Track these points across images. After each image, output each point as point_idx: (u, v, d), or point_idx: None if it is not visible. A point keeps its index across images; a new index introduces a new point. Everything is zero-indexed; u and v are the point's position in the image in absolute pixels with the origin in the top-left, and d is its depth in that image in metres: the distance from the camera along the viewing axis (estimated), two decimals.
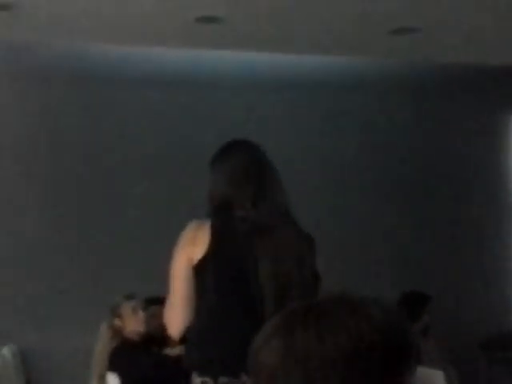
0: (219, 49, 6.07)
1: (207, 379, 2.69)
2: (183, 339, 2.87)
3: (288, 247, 2.76)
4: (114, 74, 6.59)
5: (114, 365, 4.73)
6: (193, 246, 2.78)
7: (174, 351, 4.82)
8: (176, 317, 2.81)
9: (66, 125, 6.62)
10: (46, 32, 5.54)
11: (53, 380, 6.40)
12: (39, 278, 6.47)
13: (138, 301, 4.90)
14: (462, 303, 7.03)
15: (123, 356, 4.75)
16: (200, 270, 2.76)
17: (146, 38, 5.72)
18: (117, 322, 4.89)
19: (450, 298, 6.96)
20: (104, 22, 5.28)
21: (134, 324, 4.84)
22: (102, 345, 4.84)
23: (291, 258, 2.75)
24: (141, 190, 6.62)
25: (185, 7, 5.02)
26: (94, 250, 6.54)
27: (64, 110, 6.61)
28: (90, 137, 6.63)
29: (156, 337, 4.92)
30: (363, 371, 1.13)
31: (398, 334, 1.16)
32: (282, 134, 6.80)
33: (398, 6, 5.00)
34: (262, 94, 6.88)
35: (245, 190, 2.82)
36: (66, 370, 6.30)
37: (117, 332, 4.86)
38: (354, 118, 7.10)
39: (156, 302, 4.77)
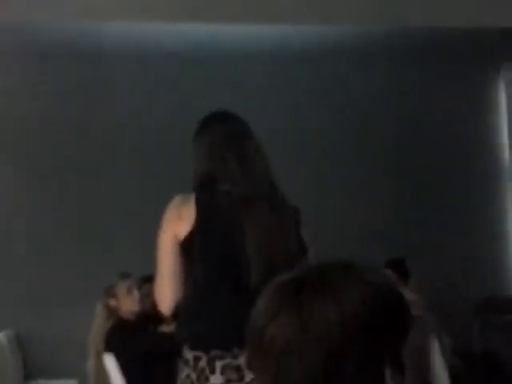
0: (204, 22, 6.01)
1: (199, 353, 2.69)
2: (175, 315, 2.86)
3: (273, 219, 2.74)
4: (108, 50, 6.55)
5: (109, 345, 4.72)
6: (178, 221, 2.74)
7: (169, 328, 4.81)
8: (165, 293, 2.79)
9: (63, 105, 6.58)
10: (41, 11, 5.48)
11: (49, 364, 6.40)
12: (34, 262, 6.45)
13: (133, 280, 4.88)
14: (455, 269, 7.04)
15: (119, 336, 4.74)
16: (187, 245, 2.74)
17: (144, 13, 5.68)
18: (112, 301, 4.87)
19: (444, 264, 6.97)
20: None
21: (129, 303, 4.83)
22: (98, 325, 4.84)
23: (277, 230, 2.73)
24: (140, 168, 6.59)
25: None
26: (89, 232, 6.51)
27: (62, 90, 6.58)
28: (87, 118, 6.60)
29: (151, 315, 4.90)
30: (378, 336, 1.13)
31: (401, 300, 1.17)
32: (268, 107, 6.77)
33: None
34: (248, 67, 6.83)
35: (227, 163, 2.79)
36: (63, 354, 6.30)
37: (112, 312, 4.85)
38: (340, 87, 7.06)
39: (151, 279, 4.75)
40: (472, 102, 7.40)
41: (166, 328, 4.88)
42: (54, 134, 6.59)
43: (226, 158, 2.78)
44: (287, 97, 6.99)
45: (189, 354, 2.71)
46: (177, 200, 2.79)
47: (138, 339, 4.74)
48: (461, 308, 6.76)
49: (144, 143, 6.69)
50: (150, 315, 4.91)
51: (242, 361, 2.65)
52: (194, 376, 2.69)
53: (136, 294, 4.82)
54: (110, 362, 4.72)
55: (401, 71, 7.18)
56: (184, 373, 2.72)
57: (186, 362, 2.72)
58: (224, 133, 2.84)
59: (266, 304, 1.19)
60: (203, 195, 2.77)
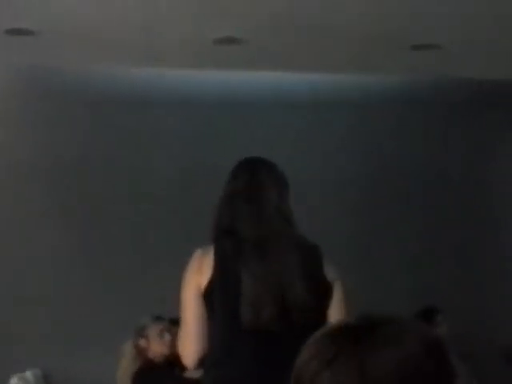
0: (235, 69, 6.09)
1: None
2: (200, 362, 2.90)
3: (288, 265, 2.75)
4: (128, 96, 6.62)
5: None
6: (199, 274, 2.82)
7: (195, 373, 4.81)
8: (189, 348, 2.85)
9: (76, 146, 6.64)
10: (60, 55, 5.58)
11: None
12: (64, 301, 6.47)
13: (165, 323, 4.89)
14: (486, 315, 6.96)
15: (146, 378, 4.74)
16: (207, 296, 2.81)
17: (160, 60, 5.76)
18: (142, 342, 4.88)
19: (470, 309, 6.89)
20: (115, 43, 5.30)
21: (159, 346, 4.84)
22: (126, 364, 4.84)
23: (291, 276, 2.75)
24: (154, 213, 6.62)
25: (202, 30, 5.04)
26: (118, 273, 6.53)
27: (76, 132, 6.65)
28: (103, 161, 6.66)
29: (178, 358, 4.90)
30: None
31: (447, 356, 1.17)
32: (300, 154, 6.79)
33: (415, 23, 4.99)
34: (280, 114, 6.88)
35: (244, 213, 2.85)
36: None
37: (141, 352, 4.86)
38: (374, 136, 7.09)
39: (178, 322, 4.76)
40: (505, 157, 7.39)
41: (193, 373, 4.88)
42: (86, 175, 6.64)
43: (242, 208, 2.85)
44: (319, 144, 7.01)
45: None
46: (198, 252, 2.87)
47: (165, 382, 4.74)
48: (490, 354, 6.68)
49: (170, 187, 6.72)
50: (177, 359, 4.91)
51: None
52: None
53: (167, 337, 4.83)
54: None
55: (437, 122, 7.19)
56: None
57: None
58: (243, 182, 2.90)
59: (317, 350, 1.15)
60: (221, 245, 2.84)
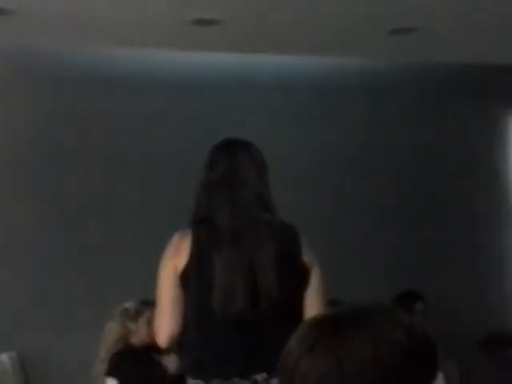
0: (216, 51, 6.07)
1: (200, 382, 2.75)
2: (171, 347, 2.93)
3: (261, 254, 2.79)
4: (109, 76, 6.58)
5: (114, 370, 4.72)
6: (177, 256, 2.85)
7: (172, 361, 4.84)
8: (163, 326, 2.90)
9: (62, 128, 6.60)
10: (40, 36, 5.53)
11: None
12: (39, 284, 6.45)
13: (152, 310, 4.81)
14: (460, 303, 7.03)
15: (125, 362, 4.74)
16: (183, 279, 2.84)
17: (142, 41, 5.72)
18: (132, 325, 4.88)
19: (449, 298, 6.96)
20: (99, 24, 5.27)
21: (144, 334, 4.83)
22: (112, 343, 4.83)
23: (264, 265, 2.78)
24: (139, 195, 6.60)
25: (182, 9, 5.01)
26: (94, 254, 6.52)
27: (60, 114, 6.60)
28: (86, 140, 6.62)
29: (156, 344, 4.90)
30: (410, 380, 1.15)
31: (430, 345, 1.20)
32: (279, 136, 6.79)
33: (397, 7, 4.99)
34: (258, 96, 6.87)
35: (221, 201, 2.87)
36: (65, 376, 6.28)
37: (126, 335, 4.85)
38: (353, 119, 7.10)
39: (150, 304, 4.76)
40: (485, 137, 7.43)
41: (171, 361, 4.90)
42: (56, 164, 6.60)
43: (218, 194, 2.86)
44: (298, 127, 7.02)
45: (190, 382, 2.77)
46: (176, 236, 2.91)
47: (143, 367, 4.75)
48: (466, 342, 6.74)
49: (152, 168, 6.70)
50: (154, 344, 4.91)
51: None
52: None
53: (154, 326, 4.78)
54: None
55: (415, 106, 7.21)
56: None
57: None
58: (223, 168, 2.90)
59: (301, 338, 1.20)
60: (197, 230, 2.87)
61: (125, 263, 6.47)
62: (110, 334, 4.88)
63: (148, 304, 4.84)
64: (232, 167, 2.90)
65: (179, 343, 2.86)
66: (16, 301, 6.39)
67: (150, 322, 4.80)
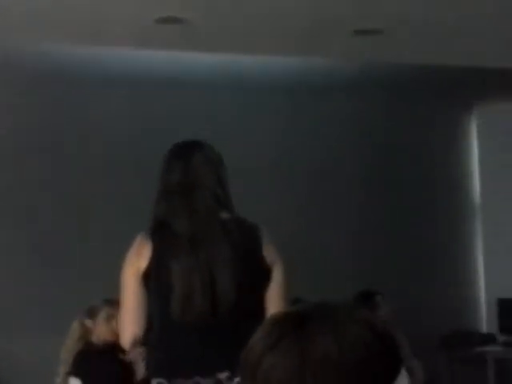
0: (179, 50, 6.07)
1: (163, 381, 2.77)
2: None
3: (218, 259, 2.80)
4: (79, 74, 6.55)
5: (77, 369, 4.69)
6: (139, 257, 2.88)
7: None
8: (126, 327, 2.91)
9: (43, 126, 6.56)
10: (15, 32, 5.50)
11: None
12: (6, 283, 6.39)
13: (116, 309, 4.77)
14: (421, 303, 7.09)
15: (88, 361, 4.71)
16: (145, 280, 2.87)
17: (108, 39, 5.71)
18: (89, 322, 4.83)
19: (411, 297, 7.01)
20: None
21: (104, 331, 4.78)
22: (71, 342, 4.79)
23: (221, 269, 2.81)
24: (126, 191, 6.58)
25: (146, 9, 5.00)
26: (67, 255, 6.47)
27: (41, 111, 6.56)
28: (63, 139, 6.59)
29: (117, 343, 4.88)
30: (372, 377, 1.15)
31: (393, 341, 1.20)
32: (237, 136, 6.80)
33: (359, 7, 5.03)
34: (221, 95, 6.88)
35: (178, 207, 2.89)
36: (27, 376, 6.23)
37: (85, 333, 4.81)
38: (319, 118, 7.13)
39: (112, 303, 4.72)
40: (448, 136, 7.51)
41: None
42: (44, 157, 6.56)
43: (177, 204, 2.86)
44: (260, 125, 7.03)
45: (154, 381, 2.79)
46: (138, 238, 2.92)
47: (106, 366, 4.71)
48: (426, 342, 6.80)
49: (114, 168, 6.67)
50: (119, 345, 4.88)
51: None
52: None
53: (114, 323, 4.75)
54: None
55: (376, 106, 7.26)
56: None
57: None
58: (179, 173, 2.92)
59: (264, 334, 1.18)
60: (156, 237, 2.89)
61: (87, 263, 6.44)
62: (70, 333, 4.84)
63: (111, 302, 4.80)
64: (187, 171, 2.90)
65: (142, 344, 2.87)
66: None
67: (109, 319, 4.77)
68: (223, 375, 2.72)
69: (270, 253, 2.88)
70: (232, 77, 6.79)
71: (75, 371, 4.70)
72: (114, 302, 4.70)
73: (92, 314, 4.85)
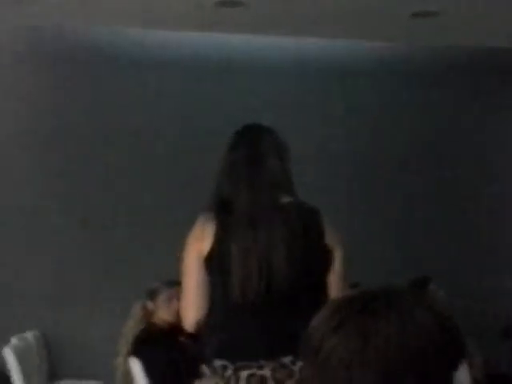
0: (238, 33, 6.08)
1: (226, 362, 2.77)
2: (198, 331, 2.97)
3: (277, 240, 2.82)
4: (129, 57, 6.60)
5: (138, 351, 4.76)
6: (201, 240, 2.87)
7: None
8: (189, 310, 2.91)
9: (78, 110, 6.64)
10: (63, 15, 5.56)
11: (75, 365, 6.46)
12: (63, 263, 6.51)
13: (177, 290, 4.80)
14: (484, 291, 6.99)
15: (148, 343, 4.77)
16: (208, 262, 2.86)
17: (162, 22, 5.74)
18: (149, 305, 4.90)
19: (472, 286, 6.93)
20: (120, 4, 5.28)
21: (164, 312, 4.84)
22: (132, 324, 4.87)
23: (279, 251, 2.81)
24: (155, 177, 6.63)
25: None
26: (120, 236, 6.56)
27: (78, 96, 6.64)
28: (104, 122, 6.66)
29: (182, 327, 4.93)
30: (435, 362, 1.15)
31: (457, 329, 1.20)
32: (302, 121, 6.79)
33: None
34: (283, 79, 6.87)
35: (243, 186, 2.89)
36: (89, 355, 6.35)
37: (147, 314, 4.88)
38: (372, 103, 7.08)
39: (175, 284, 4.77)
40: (504, 122, 7.39)
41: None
42: (74, 141, 6.65)
43: (240, 179, 2.88)
44: (320, 111, 7.00)
45: (216, 363, 2.79)
46: (200, 219, 2.91)
47: (165, 348, 4.77)
48: (488, 331, 6.72)
49: (173, 151, 6.72)
50: (181, 327, 4.93)
51: (266, 372, 2.71)
52: None
53: (175, 304, 4.80)
54: (135, 366, 4.77)
55: (436, 90, 7.17)
56: (212, 380, 2.79)
57: (214, 371, 2.80)
58: (246, 153, 2.92)
59: (327, 317, 1.19)
60: (217, 217, 2.89)
61: (151, 244, 6.51)
62: (132, 315, 4.92)
63: (171, 284, 4.86)
64: (253, 152, 2.91)
65: (204, 325, 2.89)
66: (42, 282, 6.46)
67: (169, 301, 4.83)
68: (287, 359, 2.73)
69: (331, 237, 2.88)
70: (291, 60, 6.77)
71: (135, 352, 4.77)
72: (174, 284, 4.75)
73: (153, 295, 4.91)
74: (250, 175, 2.89)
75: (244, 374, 2.72)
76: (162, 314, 4.84)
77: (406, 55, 6.85)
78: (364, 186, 7.00)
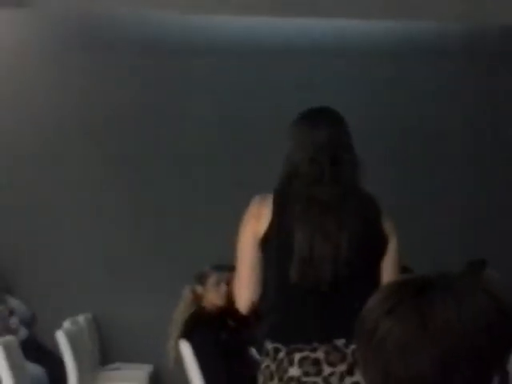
0: (281, 16, 6.04)
1: (279, 345, 2.74)
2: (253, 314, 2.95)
3: (342, 224, 2.78)
4: (179, 43, 6.63)
5: (188, 333, 4.81)
6: (257, 221, 2.82)
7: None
8: (243, 292, 2.87)
9: (130, 97, 6.69)
10: (114, 2, 5.59)
11: (126, 348, 6.53)
12: (114, 248, 6.58)
13: (226, 273, 4.84)
14: None
15: (198, 326, 4.81)
16: (264, 243, 2.82)
17: (211, 6, 5.74)
18: (199, 289, 4.94)
19: None
20: None
21: (214, 296, 4.88)
22: (182, 308, 4.92)
23: (344, 234, 2.77)
24: (216, 157, 6.65)
25: None
26: (171, 219, 6.61)
27: (130, 80, 6.69)
28: (157, 110, 6.70)
29: (232, 310, 4.97)
30: (492, 346, 1.15)
31: None
32: (340, 101, 6.72)
33: None
34: (323, 60, 6.84)
35: (315, 166, 2.83)
36: (139, 338, 6.42)
37: (197, 299, 4.92)
38: (412, 84, 7.01)
39: (222, 268, 4.81)
40: None
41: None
42: (133, 127, 6.70)
43: (315, 162, 2.83)
44: (358, 92, 6.95)
45: (269, 346, 2.77)
46: (256, 200, 2.86)
47: (215, 331, 4.81)
48: None
49: (222, 136, 6.74)
50: (231, 310, 4.97)
51: (320, 354, 2.70)
52: (273, 367, 2.74)
53: (223, 288, 4.84)
54: (186, 349, 4.82)
55: (472, 70, 7.07)
56: (264, 363, 2.78)
57: (267, 354, 2.78)
58: (321, 136, 2.87)
59: (381, 300, 1.19)
60: (281, 194, 2.84)
61: (202, 229, 6.55)
62: (182, 298, 4.96)
63: (220, 268, 4.89)
64: (332, 136, 2.86)
65: (258, 308, 2.87)
66: (93, 266, 6.55)
67: (218, 285, 4.87)
68: (340, 342, 2.71)
69: (388, 223, 2.87)
70: (336, 42, 6.74)
71: (186, 335, 4.82)
72: (222, 268, 4.79)
73: (202, 279, 4.95)
74: (315, 162, 2.84)
75: (297, 356, 2.70)
76: (211, 298, 4.88)
77: (452, 34, 6.76)
78: (421, 171, 6.95)
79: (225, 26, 6.48)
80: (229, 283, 4.60)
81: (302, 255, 2.75)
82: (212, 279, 4.92)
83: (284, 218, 2.80)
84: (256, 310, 2.90)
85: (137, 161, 6.67)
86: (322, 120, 2.92)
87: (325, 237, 2.76)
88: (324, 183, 2.81)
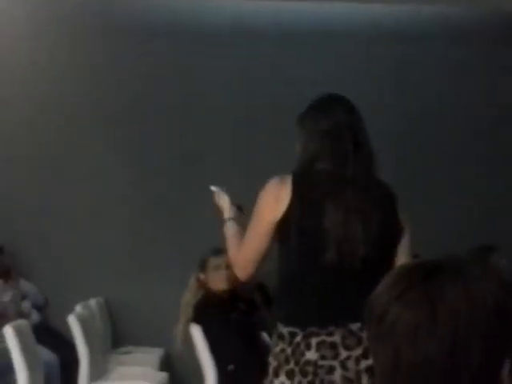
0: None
1: (295, 329, 2.74)
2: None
3: (359, 202, 2.78)
4: (206, 27, 6.63)
5: (198, 316, 4.84)
6: (276, 201, 2.79)
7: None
8: (247, 266, 2.88)
9: (156, 82, 6.70)
10: None
11: (137, 332, 6.57)
12: (125, 232, 6.61)
13: (223, 257, 4.83)
14: None
15: (207, 308, 4.85)
16: (282, 225, 2.79)
17: None
18: (201, 275, 4.98)
19: None
20: None
21: (215, 280, 4.91)
22: (188, 295, 4.95)
23: (360, 213, 2.77)
24: (230, 144, 6.66)
25: None
26: (182, 204, 6.62)
27: (156, 69, 6.70)
28: (181, 97, 6.71)
29: (240, 293, 5.00)
30: (502, 332, 1.15)
31: None
32: (357, 85, 6.73)
33: None
34: (338, 45, 6.83)
35: (335, 150, 2.83)
36: (151, 322, 6.45)
37: (202, 284, 4.96)
38: (426, 68, 6.99)
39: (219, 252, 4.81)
40: None
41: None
42: (148, 115, 6.71)
43: (335, 146, 2.83)
44: (369, 76, 6.94)
45: (284, 330, 2.76)
46: (274, 181, 2.84)
47: (225, 312, 4.84)
48: None
49: (237, 123, 6.75)
50: (239, 293, 5.00)
51: (337, 338, 2.71)
52: (289, 351, 2.74)
53: (223, 272, 4.87)
54: (196, 332, 4.86)
55: (483, 54, 7.04)
56: (278, 347, 2.76)
57: (281, 337, 2.77)
58: (340, 121, 2.86)
59: (390, 284, 1.19)
60: (300, 175, 2.83)
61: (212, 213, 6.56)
62: (188, 286, 5.00)
63: (217, 251, 4.91)
64: (350, 120, 2.87)
65: (273, 292, 2.87)
66: (105, 251, 6.58)
67: (216, 269, 4.90)
68: (355, 326, 2.71)
69: (403, 213, 2.89)
70: (357, 26, 6.72)
71: (196, 318, 4.85)
72: (219, 251, 4.80)
73: (203, 266, 5.00)
74: (346, 139, 2.84)
75: (314, 340, 2.70)
76: (214, 283, 4.92)
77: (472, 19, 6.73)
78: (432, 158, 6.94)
79: (239, 10, 6.48)
80: (228, 267, 4.59)
81: (337, 234, 2.74)
82: (210, 264, 4.96)
83: (308, 198, 2.79)
84: (265, 293, 2.91)
85: (153, 150, 6.69)
86: (339, 106, 2.93)
87: (359, 216, 2.76)
88: (349, 166, 2.82)
